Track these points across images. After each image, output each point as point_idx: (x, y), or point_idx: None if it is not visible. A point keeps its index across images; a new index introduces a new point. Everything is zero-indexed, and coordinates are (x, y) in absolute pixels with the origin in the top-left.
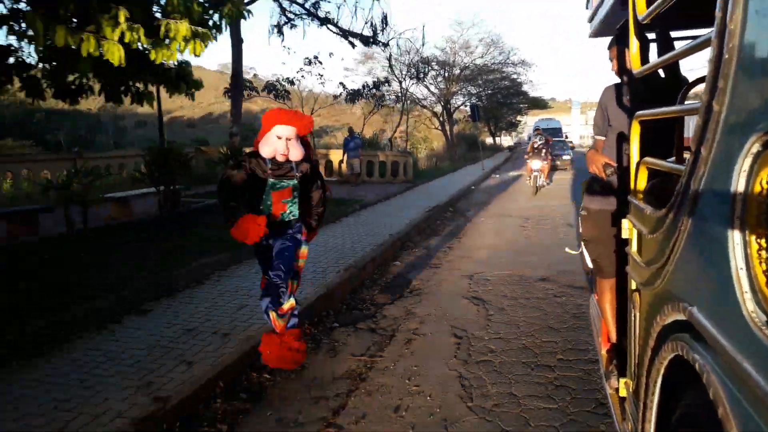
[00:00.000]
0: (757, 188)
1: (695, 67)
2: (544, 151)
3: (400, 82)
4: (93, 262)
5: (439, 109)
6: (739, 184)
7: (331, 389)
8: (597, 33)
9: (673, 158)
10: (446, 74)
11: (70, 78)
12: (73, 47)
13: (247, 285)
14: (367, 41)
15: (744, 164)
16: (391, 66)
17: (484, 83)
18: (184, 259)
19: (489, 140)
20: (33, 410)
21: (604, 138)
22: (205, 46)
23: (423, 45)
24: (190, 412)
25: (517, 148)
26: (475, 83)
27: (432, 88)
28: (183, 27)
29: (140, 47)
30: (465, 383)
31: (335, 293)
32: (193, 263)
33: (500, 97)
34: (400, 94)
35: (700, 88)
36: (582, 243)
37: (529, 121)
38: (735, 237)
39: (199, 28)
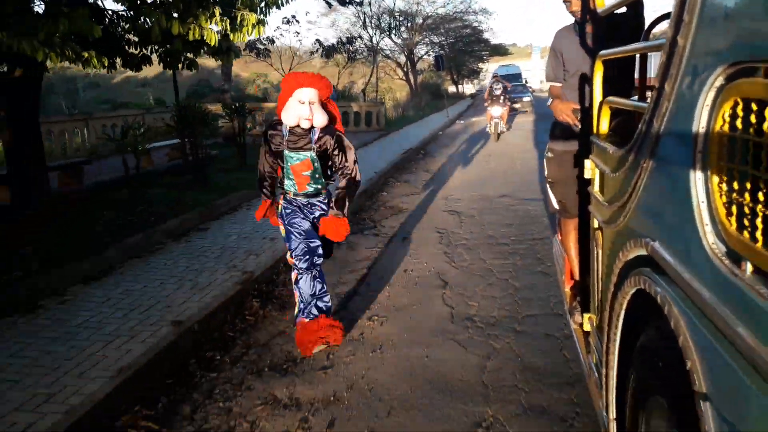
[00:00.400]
0: (720, 122)
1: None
2: (502, 97)
3: (371, 37)
4: (158, 198)
5: (402, 59)
6: (702, 118)
7: (356, 266)
8: None
9: (636, 98)
10: (409, 24)
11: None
12: (179, 33)
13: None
14: (344, 1)
15: (707, 98)
16: (364, 22)
17: (446, 32)
18: (217, 194)
19: (452, 88)
20: (165, 276)
21: (560, 84)
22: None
23: None
24: (269, 280)
25: (479, 95)
26: (437, 32)
27: (396, 38)
28: (253, 17)
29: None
30: (448, 256)
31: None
32: (225, 197)
33: (462, 45)
34: (370, 48)
35: (663, 26)
36: (548, 184)
37: (491, 68)
38: (697, 171)
39: (261, 16)
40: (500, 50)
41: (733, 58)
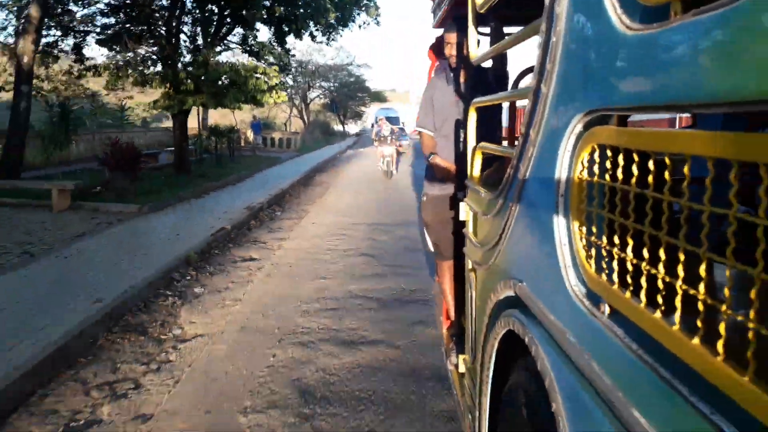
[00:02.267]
0: (579, 167)
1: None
2: (390, 138)
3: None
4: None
5: (296, 99)
6: (563, 164)
7: (282, 227)
8: (440, 24)
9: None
10: (302, 70)
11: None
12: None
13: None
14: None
15: (568, 144)
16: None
17: (334, 79)
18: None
19: (338, 127)
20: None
21: (431, 133)
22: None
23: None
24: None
25: (363, 134)
26: (326, 79)
27: (290, 81)
28: (284, 95)
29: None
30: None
31: (284, 195)
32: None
33: (347, 91)
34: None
35: (529, 78)
36: (424, 226)
37: (371, 111)
38: (559, 214)
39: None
40: (380, 96)
41: (590, 106)
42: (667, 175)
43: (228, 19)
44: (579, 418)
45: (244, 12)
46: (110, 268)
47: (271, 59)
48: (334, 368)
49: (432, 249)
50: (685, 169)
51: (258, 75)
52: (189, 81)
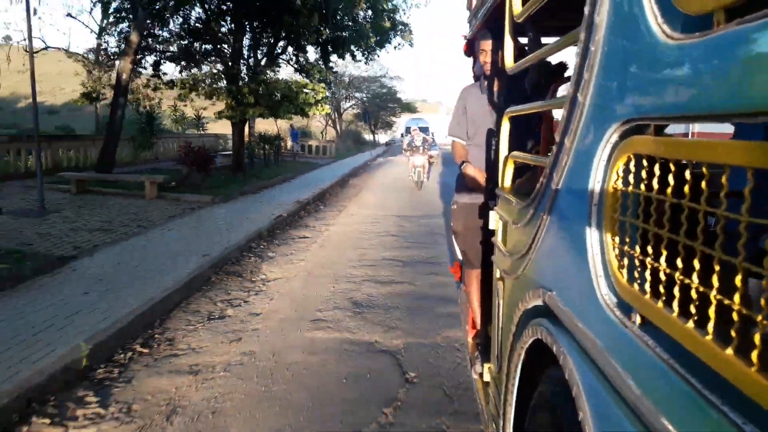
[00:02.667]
0: (614, 177)
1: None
2: (422, 148)
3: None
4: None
5: (330, 109)
6: (598, 173)
7: (326, 217)
8: (476, 34)
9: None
10: (337, 81)
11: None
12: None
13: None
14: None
15: (603, 154)
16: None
17: (367, 90)
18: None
19: (368, 136)
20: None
21: (463, 142)
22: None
23: None
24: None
25: (392, 143)
26: (360, 90)
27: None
28: (327, 108)
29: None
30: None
31: (325, 194)
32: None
33: (379, 101)
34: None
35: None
36: (453, 235)
37: (401, 121)
38: (592, 223)
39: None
40: (411, 107)
41: (627, 115)
42: (704, 184)
43: (282, 42)
44: (606, 427)
45: (297, 36)
46: (205, 237)
47: (318, 76)
48: (374, 294)
49: (459, 257)
50: (723, 179)
51: (307, 90)
52: (249, 95)
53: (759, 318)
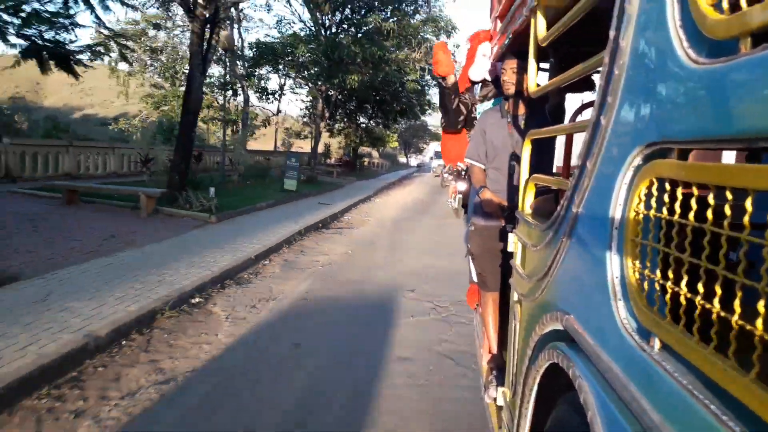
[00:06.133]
0: (636, 200)
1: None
2: (464, 174)
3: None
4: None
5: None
6: (619, 196)
7: (392, 190)
8: (499, 57)
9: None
10: None
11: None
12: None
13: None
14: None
15: (625, 177)
16: None
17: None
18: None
19: (402, 159)
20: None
21: (482, 166)
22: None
23: None
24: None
25: (422, 165)
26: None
27: None
28: (396, 143)
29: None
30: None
31: (393, 184)
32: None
33: (412, 131)
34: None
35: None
36: (469, 258)
37: (430, 147)
38: (613, 247)
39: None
40: (438, 137)
41: (651, 138)
42: (727, 209)
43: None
44: None
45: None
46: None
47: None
48: (408, 228)
49: (475, 279)
50: (747, 203)
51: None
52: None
53: None
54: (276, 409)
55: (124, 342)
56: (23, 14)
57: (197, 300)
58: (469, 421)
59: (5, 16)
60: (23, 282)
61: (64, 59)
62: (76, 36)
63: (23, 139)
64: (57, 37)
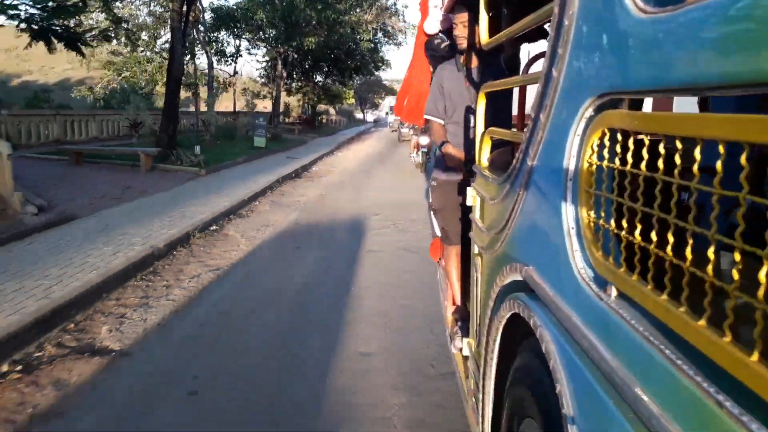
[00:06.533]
0: (588, 151)
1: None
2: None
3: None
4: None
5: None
6: (573, 148)
7: (353, 144)
8: (450, 8)
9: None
10: None
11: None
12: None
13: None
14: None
15: (578, 129)
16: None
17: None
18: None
19: (359, 115)
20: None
21: (441, 121)
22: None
23: None
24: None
25: (378, 121)
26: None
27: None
28: (353, 99)
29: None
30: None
31: (353, 138)
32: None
33: (367, 86)
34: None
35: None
36: (431, 212)
37: (386, 102)
38: (568, 198)
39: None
40: (394, 91)
41: (601, 89)
42: (677, 158)
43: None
44: (583, 398)
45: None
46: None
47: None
48: (370, 174)
49: (438, 234)
50: (696, 152)
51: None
52: (322, 96)
53: (731, 289)
54: (293, 278)
55: (174, 252)
56: (49, 8)
57: (214, 228)
58: (421, 288)
59: (33, 10)
60: (81, 219)
61: (73, 41)
62: (79, 19)
63: (17, 110)
64: (66, 22)
